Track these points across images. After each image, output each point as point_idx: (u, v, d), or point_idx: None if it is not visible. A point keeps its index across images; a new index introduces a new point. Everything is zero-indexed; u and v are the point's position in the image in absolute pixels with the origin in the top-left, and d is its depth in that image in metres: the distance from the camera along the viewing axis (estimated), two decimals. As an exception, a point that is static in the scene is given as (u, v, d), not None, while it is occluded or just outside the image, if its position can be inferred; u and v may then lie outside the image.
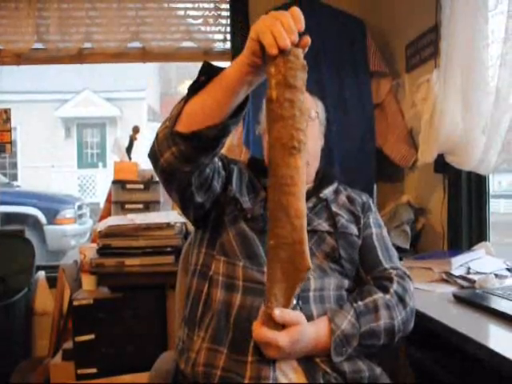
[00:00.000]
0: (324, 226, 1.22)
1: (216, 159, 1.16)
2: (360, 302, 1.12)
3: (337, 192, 1.34)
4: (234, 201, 1.21)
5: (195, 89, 0.98)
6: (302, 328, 0.99)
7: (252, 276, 1.12)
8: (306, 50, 0.88)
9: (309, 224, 1.18)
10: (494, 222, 1.96)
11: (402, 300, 1.15)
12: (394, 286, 1.16)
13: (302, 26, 0.85)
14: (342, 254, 1.19)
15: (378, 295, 1.14)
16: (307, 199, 1.23)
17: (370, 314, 1.10)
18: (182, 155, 1.00)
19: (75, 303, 2.05)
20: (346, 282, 1.20)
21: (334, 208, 1.27)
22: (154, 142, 1.05)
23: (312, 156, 1.30)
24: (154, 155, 1.05)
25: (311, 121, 1.31)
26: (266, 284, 0.94)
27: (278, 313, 0.93)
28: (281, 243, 0.90)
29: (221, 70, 0.95)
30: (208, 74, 0.96)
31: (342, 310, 1.10)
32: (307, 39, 0.87)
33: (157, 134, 1.04)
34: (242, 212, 1.19)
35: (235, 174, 1.26)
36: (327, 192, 1.30)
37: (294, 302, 1.05)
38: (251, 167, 1.35)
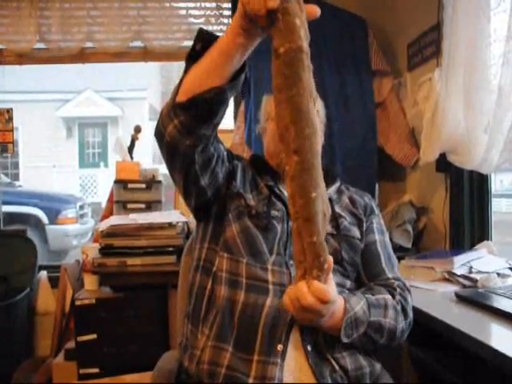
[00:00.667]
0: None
1: (221, 147, 1.17)
2: (371, 296, 1.13)
3: (339, 192, 1.34)
4: (238, 196, 1.21)
5: (193, 57, 0.99)
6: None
7: (255, 273, 1.12)
8: None
9: None
10: (495, 221, 1.96)
11: (404, 310, 1.16)
12: (398, 296, 1.17)
13: None
14: (344, 256, 1.19)
15: (388, 296, 1.15)
16: None
17: (380, 309, 1.11)
18: (183, 126, 1.00)
19: (77, 303, 2.05)
20: (348, 283, 1.20)
21: (338, 209, 1.26)
22: (158, 120, 1.05)
23: None
24: (159, 132, 1.06)
25: None
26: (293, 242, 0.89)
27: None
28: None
29: (216, 36, 0.97)
30: (203, 41, 0.98)
31: (356, 296, 1.11)
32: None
33: (161, 111, 1.04)
34: (246, 208, 1.19)
35: (239, 170, 1.26)
36: (331, 191, 1.29)
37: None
38: (253, 165, 1.35)
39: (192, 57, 0.99)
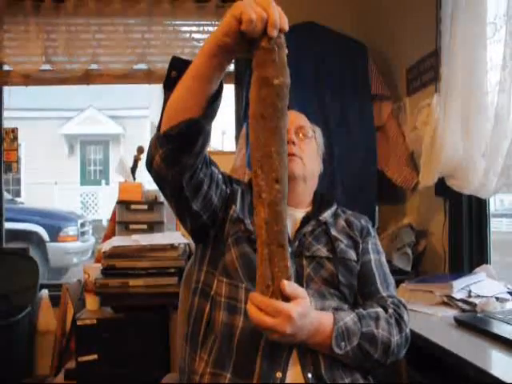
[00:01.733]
0: (323, 251, 1.21)
1: (216, 170, 1.17)
2: (362, 310, 1.13)
3: (336, 215, 1.34)
4: (238, 222, 1.20)
5: (169, 85, 0.99)
6: (308, 301, 0.98)
7: None
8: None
9: (308, 249, 1.20)
10: (496, 241, 1.97)
11: (398, 324, 1.15)
12: (391, 310, 1.16)
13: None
14: (341, 279, 1.19)
15: (379, 309, 1.15)
16: (306, 222, 1.26)
17: (372, 320, 1.11)
18: (167, 157, 1.01)
19: (79, 323, 2.06)
20: (346, 307, 1.19)
21: (334, 232, 1.27)
22: (148, 149, 1.07)
23: (310, 173, 1.32)
24: (148, 161, 1.07)
25: (307, 139, 1.34)
26: (259, 267, 0.92)
27: (287, 284, 0.92)
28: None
29: (190, 62, 0.97)
30: (178, 68, 0.99)
31: (345, 311, 1.12)
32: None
33: (150, 140, 1.06)
34: (245, 233, 1.19)
35: (239, 195, 1.26)
36: (326, 215, 1.30)
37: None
38: (251, 187, 1.36)
39: (168, 85, 1.00)
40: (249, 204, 1.27)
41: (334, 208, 1.35)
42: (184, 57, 2.61)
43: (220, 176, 1.21)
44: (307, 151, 1.32)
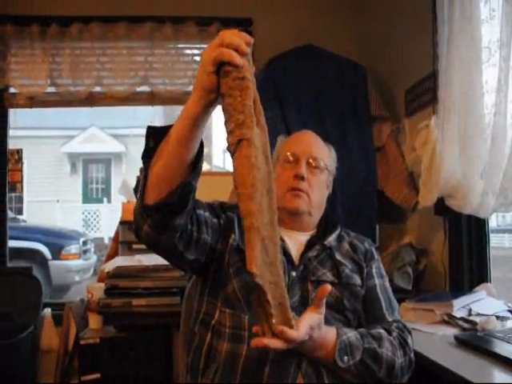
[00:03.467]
0: (328, 276, 1.22)
1: (200, 211, 1.15)
2: (365, 330, 1.14)
3: (340, 238, 1.34)
4: (237, 251, 1.19)
5: (148, 156, 0.98)
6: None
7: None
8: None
9: (313, 274, 1.21)
10: (498, 257, 1.98)
11: (402, 347, 1.16)
12: (395, 333, 1.17)
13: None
14: (346, 305, 1.19)
15: (383, 331, 1.16)
16: (311, 247, 1.26)
17: (374, 339, 1.12)
18: (157, 225, 1.00)
19: (82, 342, 2.07)
20: None
21: (338, 257, 1.27)
22: (134, 218, 1.05)
23: (315, 206, 1.32)
24: (136, 231, 1.06)
25: (318, 171, 1.32)
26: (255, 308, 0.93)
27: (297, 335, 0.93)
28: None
29: (166, 128, 0.97)
30: (155, 137, 0.98)
31: (348, 328, 1.13)
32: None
33: (134, 211, 1.05)
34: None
35: (236, 222, 1.24)
36: (331, 239, 1.30)
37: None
38: None
39: (147, 154, 0.99)
40: None
41: (338, 231, 1.35)
42: (186, 80, 2.70)
43: (207, 213, 1.18)
44: (316, 185, 1.31)
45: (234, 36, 0.87)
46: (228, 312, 1.15)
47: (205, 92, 0.90)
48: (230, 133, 0.86)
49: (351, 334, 1.09)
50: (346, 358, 1.06)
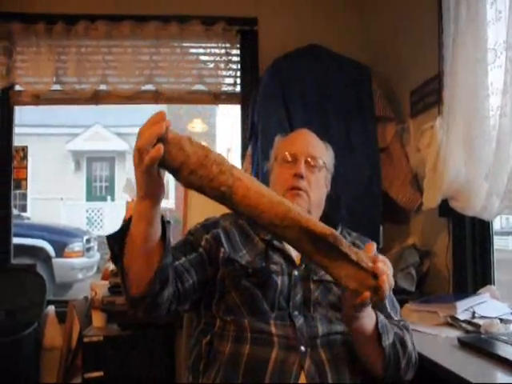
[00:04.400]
0: None
1: (177, 263, 1.14)
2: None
3: None
4: (230, 262, 1.20)
5: (117, 258, 1.01)
6: None
7: (260, 327, 1.12)
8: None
9: (315, 273, 1.21)
10: (502, 260, 1.98)
11: (413, 345, 1.16)
12: (405, 331, 1.17)
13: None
14: None
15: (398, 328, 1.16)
16: None
17: (397, 328, 1.14)
18: (148, 309, 1.04)
19: (85, 340, 2.08)
20: None
21: None
22: (128, 308, 1.08)
23: (315, 205, 1.32)
24: (132, 314, 1.08)
25: (317, 169, 1.33)
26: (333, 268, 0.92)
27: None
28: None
29: (125, 226, 0.99)
30: (116, 241, 1.00)
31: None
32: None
33: (126, 299, 1.07)
34: (241, 269, 1.18)
35: (222, 235, 1.24)
36: None
37: (303, 348, 1.09)
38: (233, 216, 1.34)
39: (116, 258, 1.02)
40: (238, 236, 1.27)
41: (338, 231, 1.35)
42: (190, 79, 2.70)
43: (183, 258, 1.18)
44: (315, 183, 1.32)
45: (144, 138, 0.87)
46: (230, 319, 1.16)
47: (151, 195, 0.93)
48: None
49: (382, 318, 1.09)
50: (384, 337, 1.06)
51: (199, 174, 0.87)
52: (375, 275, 0.90)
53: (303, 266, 1.23)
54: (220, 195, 0.89)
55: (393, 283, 0.93)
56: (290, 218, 0.89)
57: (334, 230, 0.90)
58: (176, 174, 0.89)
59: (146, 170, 0.88)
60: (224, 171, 0.88)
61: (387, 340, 1.07)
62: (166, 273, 1.02)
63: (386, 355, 1.07)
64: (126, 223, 0.99)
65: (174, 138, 0.88)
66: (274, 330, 1.12)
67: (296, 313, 1.15)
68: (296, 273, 1.21)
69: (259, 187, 0.91)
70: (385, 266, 0.92)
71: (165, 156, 0.86)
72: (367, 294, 0.90)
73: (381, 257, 0.94)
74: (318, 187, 1.33)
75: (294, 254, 1.25)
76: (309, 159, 1.32)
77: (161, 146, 0.85)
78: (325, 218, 1.39)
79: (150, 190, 0.92)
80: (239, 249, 1.24)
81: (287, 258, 1.23)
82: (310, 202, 1.30)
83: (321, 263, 0.92)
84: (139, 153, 0.87)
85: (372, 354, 1.08)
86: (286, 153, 1.34)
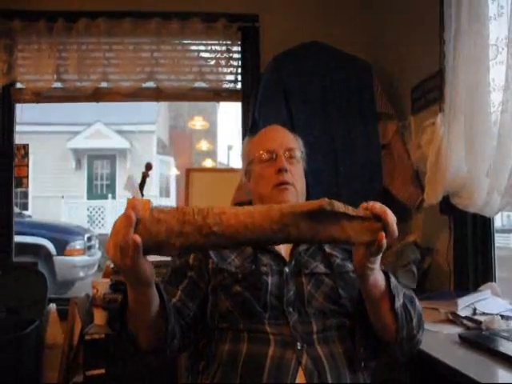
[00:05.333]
0: (321, 267, 1.22)
1: (173, 300, 1.16)
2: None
3: None
4: (220, 272, 1.20)
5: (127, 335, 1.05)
6: None
7: (255, 328, 1.13)
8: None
9: (306, 267, 1.22)
10: (503, 257, 1.98)
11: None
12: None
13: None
14: (341, 293, 1.19)
15: None
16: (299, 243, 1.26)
17: (405, 289, 1.15)
18: (162, 357, 1.11)
19: (87, 337, 2.08)
20: (347, 322, 1.20)
21: (328, 249, 1.27)
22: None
23: (300, 195, 1.33)
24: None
25: (296, 161, 1.34)
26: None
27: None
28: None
29: (122, 306, 1.01)
30: (117, 319, 1.05)
31: None
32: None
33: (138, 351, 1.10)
34: (231, 276, 1.19)
35: None
36: None
37: (299, 345, 1.09)
38: None
39: (120, 331, 1.05)
40: None
41: None
42: (191, 76, 2.70)
43: (179, 293, 1.19)
44: (298, 175, 1.33)
45: (121, 234, 0.86)
46: (225, 326, 1.16)
47: (143, 282, 0.93)
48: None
49: (393, 278, 1.10)
50: (396, 298, 1.07)
51: (187, 231, 0.87)
52: (377, 217, 0.94)
53: (293, 262, 1.23)
54: (216, 236, 0.89)
55: (395, 218, 0.96)
56: (285, 214, 0.90)
57: (323, 199, 0.92)
58: (166, 246, 0.88)
59: (133, 263, 0.87)
60: (207, 215, 0.88)
61: (399, 300, 1.07)
62: (174, 331, 1.07)
63: (398, 314, 1.07)
64: (122, 301, 1.01)
65: (147, 216, 0.87)
66: (268, 329, 1.12)
67: (290, 309, 1.15)
68: (287, 270, 1.21)
69: (243, 208, 0.92)
70: (380, 205, 0.96)
71: (146, 237, 0.86)
72: (381, 234, 0.93)
73: (371, 202, 0.97)
74: (300, 178, 1.34)
75: (283, 251, 1.26)
76: (287, 152, 1.33)
77: (137, 237, 0.85)
78: None
79: (142, 278, 0.92)
80: (227, 255, 1.24)
81: (277, 257, 1.23)
82: (297, 194, 1.31)
83: (328, 237, 0.93)
84: (121, 249, 0.85)
85: (385, 316, 1.08)
86: (261, 151, 1.34)
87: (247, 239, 0.90)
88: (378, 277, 1.05)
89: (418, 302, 1.15)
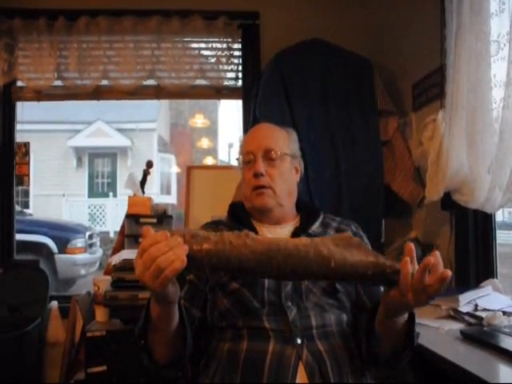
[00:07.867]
0: None
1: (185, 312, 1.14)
2: None
3: (325, 224, 1.34)
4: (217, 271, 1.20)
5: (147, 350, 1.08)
6: None
7: (254, 324, 1.13)
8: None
9: None
10: (505, 253, 1.97)
11: None
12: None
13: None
14: (338, 288, 1.20)
15: None
16: (296, 237, 1.26)
17: None
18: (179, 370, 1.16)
19: (88, 334, 2.08)
20: (345, 317, 1.21)
21: None
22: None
23: (283, 196, 1.31)
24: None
25: (277, 161, 1.31)
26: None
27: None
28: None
29: (144, 324, 1.03)
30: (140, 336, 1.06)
31: None
32: None
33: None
34: (228, 274, 1.20)
35: None
36: (315, 227, 1.31)
37: (299, 340, 1.09)
38: (232, 216, 1.36)
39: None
40: None
41: (321, 218, 1.35)
42: (192, 73, 2.70)
43: (182, 301, 1.18)
44: (278, 176, 1.30)
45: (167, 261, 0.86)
46: (225, 325, 1.17)
47: (164, 302, 0.96)
48: None
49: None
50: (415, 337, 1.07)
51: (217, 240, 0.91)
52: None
53: None
54: (247, 249, 0.90)
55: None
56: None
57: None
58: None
59: (165, 283, 0.87)
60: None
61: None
62: (190, 343, 1.10)
63: (407, 349, 1.08)
64: (145, 316, 1.03)
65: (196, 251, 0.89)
66: (267, 325, 1.13)
67: (289, 303, 1.15)
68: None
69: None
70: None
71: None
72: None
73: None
74: (282, 179, 1.31)
75: None
76: (265, 154, 1.31)
77: (184, 259, 0.86)
78: (305, 208, 1.39)
79: (168, 298, 0.93)
80: None
81: None
82: (276, 196, 1.29)
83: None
84: (158, 267, 0.85)
85: (395, 342, 1.08)
86: (244, 154, 1.34)
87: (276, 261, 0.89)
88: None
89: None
